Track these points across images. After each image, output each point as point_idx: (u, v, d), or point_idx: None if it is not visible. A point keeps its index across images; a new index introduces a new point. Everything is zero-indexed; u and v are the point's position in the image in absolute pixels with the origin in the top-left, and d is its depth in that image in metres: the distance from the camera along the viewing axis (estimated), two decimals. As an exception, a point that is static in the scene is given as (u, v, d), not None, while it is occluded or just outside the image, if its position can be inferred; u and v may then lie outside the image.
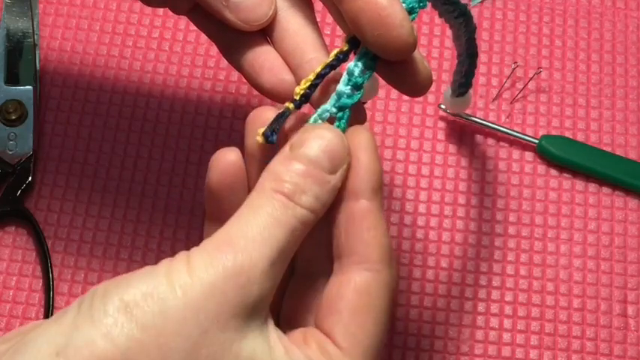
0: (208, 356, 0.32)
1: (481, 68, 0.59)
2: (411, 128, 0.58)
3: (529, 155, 0.57)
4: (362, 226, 0.36)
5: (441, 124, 0.58)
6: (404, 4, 0.39)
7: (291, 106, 0.40)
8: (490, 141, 0.58)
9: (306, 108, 0.40)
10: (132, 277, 0.33)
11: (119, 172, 0.56)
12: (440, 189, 0.56)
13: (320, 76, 0.40)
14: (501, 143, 0.58)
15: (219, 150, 0.40)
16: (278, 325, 0.36)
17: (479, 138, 0.58)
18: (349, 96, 0.39)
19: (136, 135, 0.57)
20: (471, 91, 0.53)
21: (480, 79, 0.59)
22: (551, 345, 0.53)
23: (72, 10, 0.60)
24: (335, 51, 0.40)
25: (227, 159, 0.40)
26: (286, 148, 0.36)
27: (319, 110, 0.39)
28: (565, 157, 0.56)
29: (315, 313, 0.37)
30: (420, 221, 0.56)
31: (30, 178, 0.55)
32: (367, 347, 0.35)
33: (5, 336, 0.35)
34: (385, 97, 0.59)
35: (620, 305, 0.54)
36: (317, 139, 0.36)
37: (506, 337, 0.53)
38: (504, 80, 0.59)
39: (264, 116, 0.39)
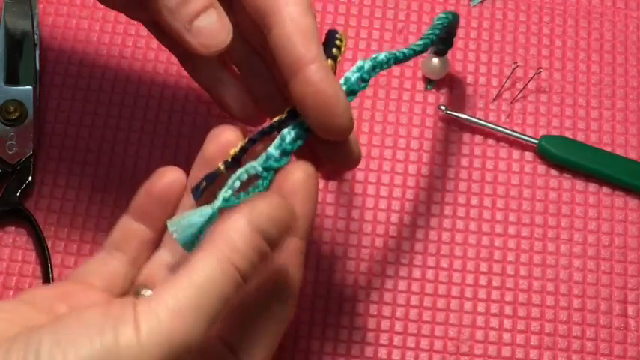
0: None
1: (481, 68, 0.60)
2: (411, 128, 0.58)
3: (529, 155, 0.57)
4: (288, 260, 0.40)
5: (441, 124, 0.58)
6: (345, 86, 0.41)
7: (222, 167, 0.41)
8: (490, 141, 0.58)
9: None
10: (76, 332, 0.33)
11: (119, 172, 0.56)
12: (440, 189, 0.56)
13: (252, 141, 0.42)
14: (501, 143, 0.58)
15: (163, 168, 0.44)
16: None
17: (479, 138, 0.58)
18: (276, 160, 0.41)
19: (136, 135, 0.57)
20: (449, 56, 0.53)
21: (480, 79, 0.59)
22: (551, 345, 0.53)
23: (72, 10, 0.60)
24: (275, 118, 0.42)
25: (168, 177, 0.43)
26: (237, 216, 0.36)
27: (247, 166, 0.40)
28: (565, 157, 0.56)
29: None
30: (420, 221, 0.56)
31: (30, 178, 0.55)
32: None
33: None
34: (385, 97, 0.59)
35: (620, 305, 0.54)
36: (271, 211, 0.37)
37: (506, 337, 0.53)
38: (504, 80, 0.59)
39: (222, 136, 0.40)
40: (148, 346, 0.33)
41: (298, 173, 0.40)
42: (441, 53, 0.57)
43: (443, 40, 0.52)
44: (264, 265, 0.37)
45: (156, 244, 0.43)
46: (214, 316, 0.35)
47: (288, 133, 0.41)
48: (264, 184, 0.40)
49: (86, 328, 0.33)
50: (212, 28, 0.41)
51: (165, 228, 0.41)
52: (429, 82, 0.59)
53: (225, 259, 0.35)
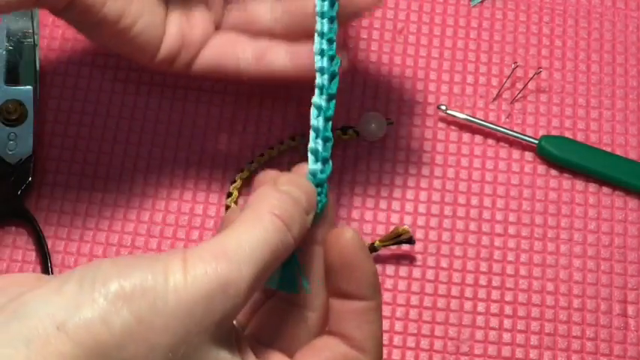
0: (184, 356, 0.34)
1: (481, 68, 0.60)
2: (411, 128, 0.58)
3: (529, 155, 0.57)
4: (362, 319, 0.40)
5: (441, 124, 0.58)
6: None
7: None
8: (490, 141, 0.58)
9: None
10: (133, 263, 0.34)
11: (119, 172, 0.56)
12: (440, 189, 0.56)
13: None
14: (501, 143, 0.58)
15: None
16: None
17: (479, 138, 0.58)
18: (322, 171, 0.42)
19: (136, 135, 0.57)
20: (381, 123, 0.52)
21: (480, 79, 0.59)
22: (551, 345, 0.53)
23: (72, 10, 0.60)
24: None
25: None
26: (269, 184, 0.40)
27: None
28: (565, 157, 0.56)
29: (287, 340, 0.40)
30: (420, 221, 0.56)
31: (30, 178, 0.55)
32: None
33: None
34: (385, 98, 0.58)
35: (620, 305, 0.54)
36: (298, 183, 0.40)
37: (506, 337, 0.53)
38: (504, 80, 0.59)
39: (233, 215, 0.42)
40: (194, 279, 0.34)
41: (347, 230, 0.41)
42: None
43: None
44: (304, 229, 0.39)
45: None
46: (262, 264, 0.36)
47: (317, 143, 0.43)
48: (323, 200, 0.41)
49: (140, 262, 0.34)
50: None
51: None
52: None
53: (266, 211, 0.37)
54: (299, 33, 0.49)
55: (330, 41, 0.44)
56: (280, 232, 0.37)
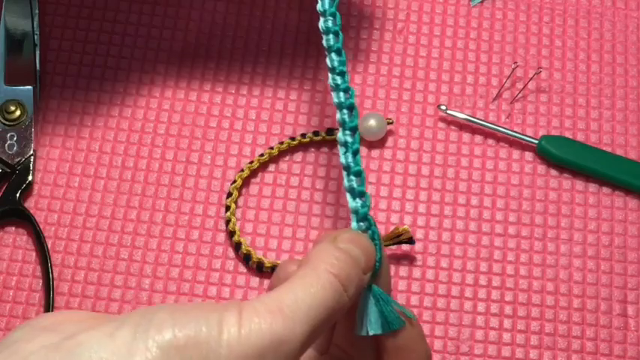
0: None
1: (481, 68, 0.60)
2: (411, 128, 0.58)
3: (529, 155, 0.57)
4: None
5: (441, 124, 0.58)
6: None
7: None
8: (490, 141, 0.58)
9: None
10: (189, 312, 0.35)
11: (120, 171, 0.56)
12: (440, 189, 0.56)
13: None
14: (501, 143, 0.58)
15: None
16: None
17: (479, 138, 0.58)
18: (363, 205, 0.42)
19: (136, 135, 0.57)
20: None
21: (479, 79, 0.59)
22: (551, 345, 0.53)
23: (72, 10, 0.60)
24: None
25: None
26: (328, 240, 0.40)
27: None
28: (565, 157, 0.56)
29: None
30: (420, 221, 0.56)
31: (30, 178, 0.55)
32: None
33: (46, 322, 0.36)
34: (385, 98, 0.59)
35: (620, 305, 0.54)
36: (359, 242, 0.40)
37: (506, 337, 0.53)
38: (504, 80, 0.59)
39: (288, 268, 0.42)
40: (248, 334, 0.34)
41: (414, 324, 0.42)
42: None
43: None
44: (359, 289, 0.39)
45: None
46: (316, 323, 0.36)
47: (350, 180, 0.43)
48: (375, 236, 0.42)
49: (196, 312, 0.34)
50: None
51: None
52: None
53: (324, 269, 0.37)
54: None
55: (341, 74, 0.44)
56: (337, 292, 0.37)
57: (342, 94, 0.44)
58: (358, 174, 0.43)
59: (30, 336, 0.35)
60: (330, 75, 0.44)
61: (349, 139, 0.43)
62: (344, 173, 0.43)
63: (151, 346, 0.33)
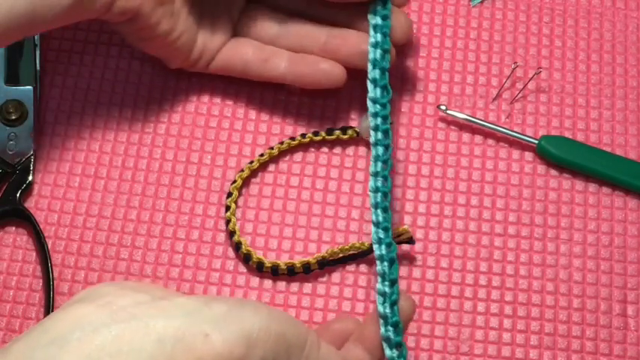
0: None
1: (481, 68, 0.60)
2: (411, 128, 0.58)
3: (529, 155, 0.57)
4: None
5: (441, 124, 0.58)
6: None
7: None
8: (490, 141, 0.58)
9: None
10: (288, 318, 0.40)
11: (120, 171, 0.56)
12: (440, 189, 0.56)
13: None
14: (501, 143, 0.58)
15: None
16: None
17: (479, 138, 0.58)
18: (399, 356, 0.45)
19: (136, 135, 0.57)
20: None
21: (479, 79, 0.59)
22: (551, 345, 0.53)
23: (72, 10, 0.60)
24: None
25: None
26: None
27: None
28: (565, 157, 0.56)
29: None
30: (420, 221, 0.56)
31: (30, 178, 0.55)
32: None
33: (131, 284, 0.40)
34: (385, 97, 0.59)
35: (620, 305, 0.54)
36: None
37: (506, 337, 0.53)
38: (504, 80, 0.59)
39: (344, 325, 0.46)
40: None
41: None
42: None
43: None
44: None
45: None
46: None
47: (387, 330, 0.45)
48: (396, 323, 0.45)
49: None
50: None
51: None
52: None
53: None
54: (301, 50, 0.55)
55: (385, 230, 0.48)
56: None
57: (384, 246, 0.47)
58: (396, 325, 0.45)
59: (121, 292, 0.37)
60: (373, 210, 0.48)
61: (387, 289, 0.46)
62: (381, 321, 0.45)
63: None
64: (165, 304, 0.36)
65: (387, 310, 0.45)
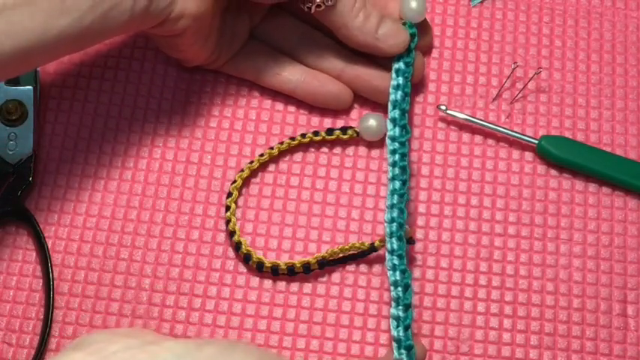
0: None
1: (481, 68, 0.60)
2: (411, 128, 0.58)
3: (529, 155, 0.57)
4: None
5: (441, 124, 0.58)
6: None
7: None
8: (490, 141, 0.58)
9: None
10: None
11: (120, 171, 0.56)
12: (440, 189, 0.56)
13: None
14: (501, 143, 0.58)
15: None
16: None
17: (479, 138, 0.58)
18: (404, 314, 0.48)
19: (136, 135, 0.57)
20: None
21: (479, 79, 0.59)
22: (551, 345, 0.53)
23: (72, 10, 0.60)
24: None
25: None
26: None
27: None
28: (565, 157, 0.56)
29: None
30: (420, 221, 0.56)
31: (30, 178, 0.55)
32: None
33: (121, 330, 0.41)
34: (385, 97, 0.59)
35: (620, 305, 0.54)
36: None
37: (506, 337, 0.53)
38: (504, 80, 0.59)
39: None
40: None
41: None
42: None
43: None
44: None
45: None
46: None
47: (401, 353, 0.47)
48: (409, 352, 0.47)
49: None
50: (392, 32, 0.54)
51: None
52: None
53: None
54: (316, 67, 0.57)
55: (400, 257, 0.50)
56: None
57: (398, 273, 0.49)
58: (409, 348, 0.47)
59: (111, 339, 0.38)
60: (387, 255, 0.50)
61: (401, 314, 0.48)
62: (394, 345, 0.48)
63: None
64: (156, 349, 0.37)
65: (401, 334, 0.47)
